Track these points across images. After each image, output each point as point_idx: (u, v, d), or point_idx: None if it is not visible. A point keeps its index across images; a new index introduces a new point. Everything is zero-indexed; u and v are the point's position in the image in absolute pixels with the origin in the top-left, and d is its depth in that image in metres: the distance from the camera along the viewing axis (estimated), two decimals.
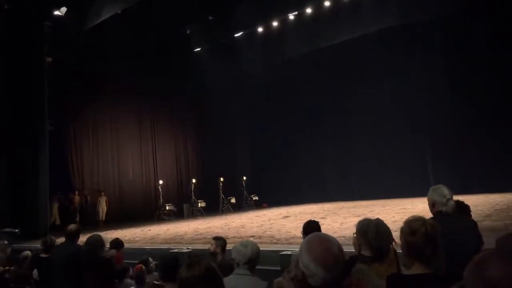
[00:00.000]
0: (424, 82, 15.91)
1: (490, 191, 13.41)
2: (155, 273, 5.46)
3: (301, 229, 4.06)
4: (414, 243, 2.04)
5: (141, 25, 15.88)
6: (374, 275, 2.64)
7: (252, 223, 12.11)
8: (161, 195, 17.41)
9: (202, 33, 18.11)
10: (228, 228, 11.23)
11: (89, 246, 4.30)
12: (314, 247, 1.41)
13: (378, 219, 2.94)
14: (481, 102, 14.64)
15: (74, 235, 4.84)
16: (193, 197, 18.07)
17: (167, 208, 17.04)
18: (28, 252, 6.76)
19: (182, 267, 1.84)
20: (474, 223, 3.10)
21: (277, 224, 11.11)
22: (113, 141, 17.70)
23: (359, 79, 17.44)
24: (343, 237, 6.68)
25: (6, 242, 8.01)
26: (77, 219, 15.01)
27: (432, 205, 3.01)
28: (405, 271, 2.36)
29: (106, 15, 14.09)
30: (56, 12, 13.98)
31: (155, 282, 4.83)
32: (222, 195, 18.40)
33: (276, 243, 7.90)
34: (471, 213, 3.97)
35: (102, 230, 11.40)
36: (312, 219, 4.30)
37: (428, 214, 2.98)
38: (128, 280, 4.92)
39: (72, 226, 5.02)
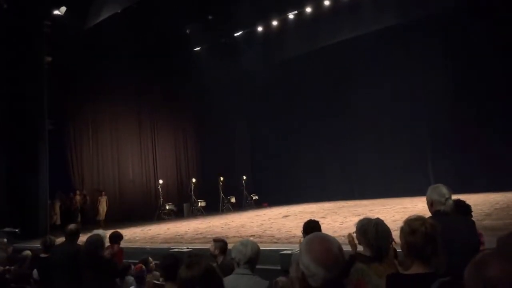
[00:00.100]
0: (424, 81, 15.90)
1: (490, 190, 13.40)
2: (155, 273, 5.46)
3: (301, 229, 4.06)
4: (414, 242, 2.04)
5: (140, 25, 15.87)
6: (373, 274, 2.64)
7: (252, 222, 12.11)
8: (161, 194, 17.42)
9: (202, 33, 18.09)
10: (228, 228, 11.23)
11: (89, 246, 4.29)
12: (314, 247, 1.41)
13: (378, 218, 2.94)
14: (481, 100, 14.62)
15: (74, 235, 4.84)
16: (193, 197, 18.08)
17: (167, 207, 17.04)
18: (28, 252, 6.76)
19: (182, 267, 1.84)
20: (473, 223, 3.10)
21: (277, 224, 11.11)
22: (113, 140, 17.70)
23: (359, 78, 17.43)
24: (343, 236, 6.67)
25: (5, 240, 8.03)
26: (79, 218, 15.02)
27: (430, 205, 3.01)
28: (402, 270, 2.37)
29: (105, 14, 14.09)
30: (56, 12, 13.97)
31: (155, 281, 4.83)
32: (222, 195, 18.40)
33: (276, 242, 7.90)
34: (472, 213, 3.97)
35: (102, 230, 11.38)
36: (312, 218, 4.30)
37: (428, 213, 2.98)
38: (130, 278, 4.92)
39: (72, 226, 5.02)
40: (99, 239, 4.44)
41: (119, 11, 14.31)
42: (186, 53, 18.86)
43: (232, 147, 20.99)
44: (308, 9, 16.73)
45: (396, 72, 16.10)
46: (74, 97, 16.11)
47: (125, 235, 10.68)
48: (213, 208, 18.10)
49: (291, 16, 17.28)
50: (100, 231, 5.19)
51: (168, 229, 12.55)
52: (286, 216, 13.16)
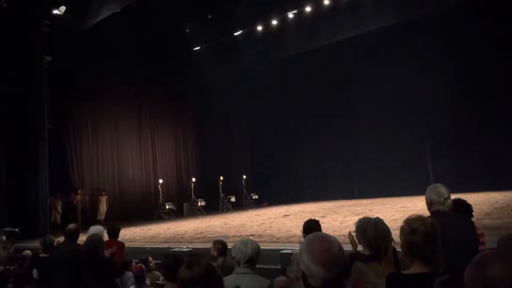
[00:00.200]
0: (424, 80, 15.88)
1: (490, 189, 13.41)
2: (155, 272, 5.47)
3: (301, 228, 4.05)
4: (414, 242, 2.04)
5: (140, 24, 15.85)
6: (372, 274, 2.65)
7: (252, 222, 12.11)
8: (161, 194, 17.41)
9: (202, 32, 18.08)
10: (228, 227, 11.23)
11: (89, 245, 4.29)
12: (314, 247, 1.41)
13: (377, 218, 2.94)
14: (481, 100, 14.61)
15: (74, 235, 4.84)
16: (193, 196, 18.08)
17: (167, 207, 17.04)
18: (28, 252, 6.78)
19: (182, 267, 1.83)
20: (472, 223, 3.09)
21: (277, 223, 11.11)
22: (113, 140, 17.70)
23: (359, 78, 17.41)
24: (343, 235, 6.67)
25: (4, 237, 8.05)
26: (80, 218, 15.01)
27: (429, 204, 3.01)
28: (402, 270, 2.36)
29: (105, 14, 14.07)
30: (55, 11, 13.95)
31: (156, 281, 4.83)
32: (222, 194, 18.40)
33: (276, 241, 7.90)
34: (473, 213, 3.96)
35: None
36: (312, 217, 4.30)
37: (428, 213, 2.98)
38: (129, 273, 4.92)
39: (71, 226, 5.03)
40: (98, 239, 4.44)
41: (118, 11, 14.29)
42: (185, 53, 18.84)
43: (232, 146, 20.99)
44: (308, 8, 16.70)
45: (396, 71, 16.09)
46: (73, 96, 16.11)
47: (125, 235, 10.72)
48: (213, 208, 18.10)
49: (290, 15, 17.25)
50: (98, 227, 5.20)
51: (168, 228, 12.55)
52: (286, 215, 13.17)
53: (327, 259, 1.37)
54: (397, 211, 10.92)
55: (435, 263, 2.00)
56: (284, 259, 5.49)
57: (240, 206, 18.74)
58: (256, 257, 3.06)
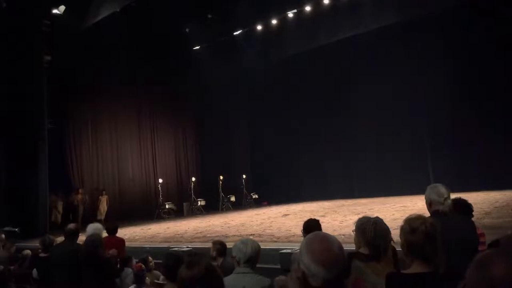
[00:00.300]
0: (424, 80, 15.87)
1: (490, 188, 13.41)
2: (155, 272, 5.46)
3: (301, 228, 4.05)
4: (414, 241, 2.04)
5: (139, 24, 15.84)
6: (371, 273, 2.65)
7: (252, 221, 12.11)
8: (160, 193, 17.41)
9: (201, 31, 18.07)
10: (228, 227, 11.23)
11: (89, 245, 4.29)
12: (314, 247, 1.40)
13: (377, 217, 2.94)
14: (481, 99, 14.61)
15: (73, 234, 4.84)
16: (193, 196, 18.08)
17: (166, 206, 17.04)
18: (28, 251, 6.78)
19: (182, 267, 1.83)
20: (472, 223, 3.08)
21: (277, 222, 11.11)
22: (113, 140, 17.70)
23: (358, 77, 17.40)
24: (343, 235, 6.68)
25: (3, 235, 8.05)
26: (80, 217, 14.98)
27: (429, 204, 3.01)
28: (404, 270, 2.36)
29: (104, 13, 14.06)
30: (55, 11, 13.94)
31: (155, 281, 4.83)
32: (221, 194, 18.40)
33: (276, 241, 7.90)
34: (473, 213, 3.95)
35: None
36: (312, 217, 4.30)
37: (428, 212, 2.98)
38: (129, 269, 4.91)
39: (71, 225, 5.02)
40: (98, 239, 4.44)
41: (118, 10, 14.28)
42: (185, 53, 18.84)
43: (232, 146, 20.99)
44: (308, 8, 16.69)
45: (396, 71, 16.08)
46: (73, 96, 16.10)
47: (125, 234, 10.71)
48: (213, 207, 18.11)
49: (290, 14, 17.25)
50: (97, 225, 5.19)
51: (168, 228, 12.55)
52: (286, 215, 13.17)
53: (327, 259, 1.37)
54: (397, 210, 10.93)
55: (435, 263, 2.00)
56: (284, 259, 5.50)
57: (240, 205, 18.74)
58: (256, 257, 3.06)
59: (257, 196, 19.23)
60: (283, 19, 17.47)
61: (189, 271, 1.77)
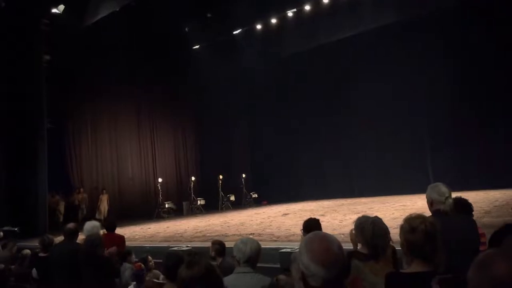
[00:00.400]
0: (424, 79, 15.87)
1: (489, 187, 13.41)
2: (155, 271, 5.46)
3: (301, 227, 4.05)
4: (414, 240, 2.04)
5: (139, 23, 15.83)
6: (369, 272, 2.65)
7: (252, 220, 12.12)
8: (160, 193, 17.41)
9: (201, 31, 18.06)
10: (228, 226, 11.24)
11: (88, 245, 4.29)
12: (313, 247, 1.40)
13: (375, 217, 2.95)
14: (481, 99, 14.62)
15: (73, 234, 4.84)
16: (193, 195, 18.08)
17: (166, 206, 17.04)
18: (28, 251, 6.77)
19: (182, 266, 1.83)
20: (473, 222, 3.07)
21: (276, 222, 11.12)
22: (112, 139, 17.69)
23: (358, 77, 17.38)
24: (343, 234, 6.68)
25: (1, 233, 8.03)
26: (82, 216, 14.96)
27: (430, 204, 3.00)
28: (404, 269, 2.36)
29: (104, 12, 14.04)
30: (54, 10, 13.93)
31: (155, 280, 4.83)
32: (221, 193, 18.40)
33: (275, 240, 7.91)
34: (473, 212, 3.95)
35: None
36: (312, 216, 4.30)
37: (427, 211, 2.98)
38: (127, 265, 4.91)
39: (70, 225, 5.02)
40: (98, 238, 4.43)
41: (117, 10, 14.26)
42: (184, 52, 18.83)
43: (232, 145, 20.98)
44: (307, 7, 16.68)
45: (396, 71, 16.07)
46: (72, 96, 16.08)
47: (125, 234, 10.70)
48: (213, 206, 18.10)
49: (290, 14, 17.24)
50: (94, 223, 5.19)
51: (167, 227, 12.55)
52: (286, 214, 13.17)
53: (327, 258, 1.36)
54: (396, 209, 10.93)
55: (435, 262, 2.00)
56: (283, 258, 5.49)
57: (240, 205, 18.74)
58: (256, 256, 3.05)
59: (256, 196, 19.24)
60: (282, 19, 17.46)
61: (189, 271, 1.77)
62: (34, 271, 5.39)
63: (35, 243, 8.40)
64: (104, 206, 16.06)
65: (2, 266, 5.81)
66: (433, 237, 2.02)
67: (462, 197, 3.87)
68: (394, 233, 2.58)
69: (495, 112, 14.45)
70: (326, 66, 18.21)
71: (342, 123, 18.08)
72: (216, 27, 17.52)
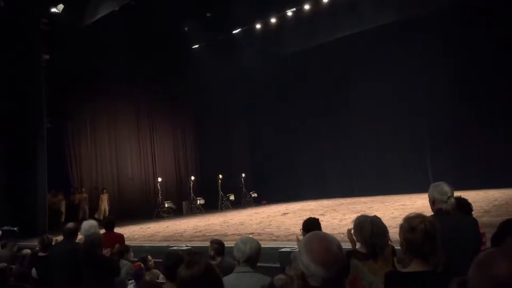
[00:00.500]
0: (424, 79, 15.87)
1: (489, 187, 13.42)
2: (154, 271, 5.46)
3: (301, 226, 4.05)
4: (413, 240, 2.04)
5: (138, 22, 15.81)
6: (367, 271, 2.66)
7: (251, 220, 12.12)
8: (160, 192, 17.41)
9: (200, 30, 18.04)
10: (227, 225, 11.24)
11: (88, 245, 4.29)
12: (313, 247, 1.40)
13: (374, 216, 2.95)
14: (481, 98, 14.63)
15: (72, 234, 4.83)
16: (192, 194, 18.08)
17: (166, 205, 17.03)
18: (28, 251, 6.76)
19: (181, 266, 1.83)
20: (475, 222, 3.05)
21: (276, 221, 11.12)
22: (111, 139, 17.68)
23: (358, 76, 17.39)
24: (342, 233, 6.67)
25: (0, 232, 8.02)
26: (81, 216, 14.95)
27: (432, 203, 2.99)
28: (400, 268, 2.36)
29: (103, 12, 14.03)
30: (53, 10, 13.91)
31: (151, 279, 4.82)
32: (221, 192, 18.40)
33: (275, 240, 7.91)
34: (472, 212, 3.94)
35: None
36: (312, 216, 4.29)
37: (427, 210, 2.98)
38: (124, 262, 4.90)
39: (70, 224, 5.01)
40: (97, 238, 4.43)
41: (117, 9, 14.25)
42: (184, 51, 18.81)
43: (231, 145, 20.97)
44: (307, 6, 16.67)
45: (396, 70, 16.07)
46: (72, 95, 16.05)
47: (124, 233, 10.70)
48: (212, 206, 18.10)
49: (289, 13, 17.23)
50: (92, 222, 5.18)
51: (167, 227, 12.55)
52: (285, 213, 13.18)
53: (327, 258, 1.36)
54: (396, 209, 10.94)
55: (434, 262, 2.00)
56: (283, 257, 5.49)
57: (239, 204, 18.74)
58: (256, 256, 3.05)
59: (256, 195, 19.24)
60: (282, 18, 17.45)
61: (189, 271, 1.77)
62: (33, 270, 5.38)
63: (35, 242, 8.41)
64: (104, 205, 16.06)
65: (4, 264, 5.81)
66: (433, 236, 2.02)
67: (462, 196, 3.86)
68: (394, 233, 2.58)
69: (495, 112, 14.46)
70: (326, 66, 18.20)
71: (341, 123, 18.08)
72: (215, 26, 17.50)
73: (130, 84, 17.64)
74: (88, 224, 5.00)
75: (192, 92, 19.73)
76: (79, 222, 11.19)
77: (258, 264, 3.12)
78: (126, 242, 6.50)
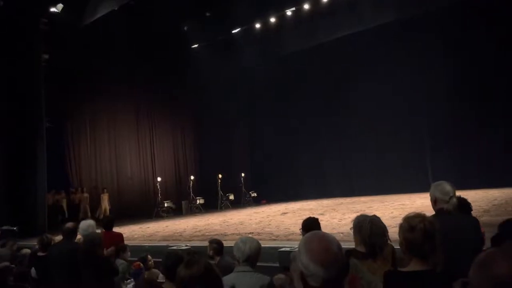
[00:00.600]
0: (424, 78, 15.87)
1: (488, 186, 13.43)
2: (154, 270, 5.45)
3: (300, 226, 4.05)
4: (412, 239, 2.04)
5: (138, 22, 15.80)
6: (366, 271, 2.65)
7: (251, 219, 12.12)
8: (159, 192, 17.41)
9: (200, 30, 18.04)
10: (227, 225, 11.24)
11: (87, 244, 4.28)
12: (313, 246, 1.40)
13: (374, 216, 2.94)
14: (481, 98, 14.64)
15: (72, 233, 4.83)
16: (192, 194, 18.08)
17: (165, 205, 17.03)
18: (27, 250, 6.75)
19: (181, 266, 1.82)
20: (477, 221, 3.03)
21: (275, 221, 11.12)
22: (111, 138, 17.69)
23: (358, 76, 17.39)
24: (342, 233, 6.69)
25: None
26: (87, 215, 14.92)
27: (433, 202, 2.97)
28: (399, 268, 2.35)
29: (102, 12, 14.02)
30: (53, 9, 13.90)
31: (154, 279, 4.82)
32: (220, 192, 18.40)
33: (275, 239, 7.91)
34: (472, 211, 3.93)
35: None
36: (311, 215, 4.29)
37: (426, 210, 2.97)
38: (120, 261, 4.89)
39: (69, 224, 5.00)
40: (97, 238, 4.42)
41: (116, 9, 14.25)
42: (184, 51, 18.81)
43: (231, 145, 20.97)
44: (306, 6, 16.67)
45: (396, 69, 16.08)
46: (71, 95, 16.04)
47: (124, 233, 10.69)
48: (212, 206, 18.10)
49: (289, 12, 17.23)
50: (90, 221, 5.18)
51: (166, 226, 12.55)
52: (285, 213, 13.18)
53: (326, 258, 1.36)
54: (395, 208, 10.94)
55: (433, 261, 2.00)
56: (283, 257, 5.49)
57: (239, 204, 18.74)
58: (256, 256, 3.05)
59: (256, 194, 19.24)
60: (281, 17, 17.45)
61: (188, 270, 1.77)
62: (33, 270, 5.37)
63: (34, 242, 8.40)
64: (105, 205, 16.07)
65: (7, 263, 5.80)
66: (432, 236, 2.02)
67: (461, 196, 3.86)
68: (393, 232, 2.58)
69: (495, 112, 14.46)
70: (326, 66, 18.21)
71: (341, 123, 18.08)
72: (215, 26, 17.50)
73: (129, 84, 17.64)
74: (86, 224, 5.00)
75: (191, 92, 19.72)
76: (78, 222, 11.24)
77: (258, 264, 3.11)
78: (126, 242, 6.50)
